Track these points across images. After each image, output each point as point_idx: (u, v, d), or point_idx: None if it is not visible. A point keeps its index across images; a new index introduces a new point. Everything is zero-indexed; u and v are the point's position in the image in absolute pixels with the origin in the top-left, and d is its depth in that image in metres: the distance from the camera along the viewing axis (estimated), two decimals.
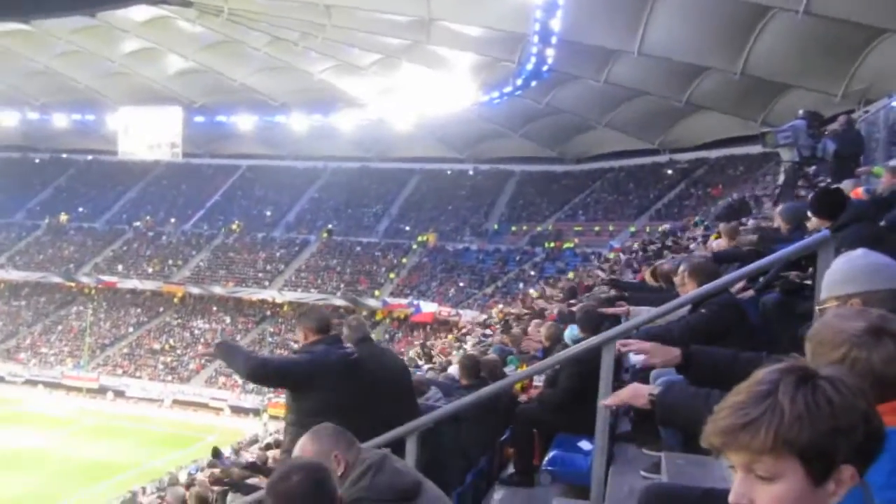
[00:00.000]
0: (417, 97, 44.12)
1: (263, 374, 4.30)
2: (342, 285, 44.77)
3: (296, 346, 4.49)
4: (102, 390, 40.12)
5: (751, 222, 10.53)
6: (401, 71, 42.87)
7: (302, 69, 45.45)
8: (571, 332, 5.92)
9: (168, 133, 51.94)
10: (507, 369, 7.37)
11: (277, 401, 31.78)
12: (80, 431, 33.09)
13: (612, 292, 7.60)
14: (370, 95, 46.64)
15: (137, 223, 53.15)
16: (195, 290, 46.96)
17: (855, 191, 6.50)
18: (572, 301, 10.95)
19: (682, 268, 4.71)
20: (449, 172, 51.80)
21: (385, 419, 4.32)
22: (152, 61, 47.70)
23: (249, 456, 12.60)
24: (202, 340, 43.55)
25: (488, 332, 18.50)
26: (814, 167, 10.98)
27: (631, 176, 45.00)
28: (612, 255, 27.06)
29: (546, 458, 4.78)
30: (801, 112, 11.00)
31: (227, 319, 45.31)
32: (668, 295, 5.38)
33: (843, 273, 2.11)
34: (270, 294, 45.31)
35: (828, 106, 24.01)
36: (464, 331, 26.30)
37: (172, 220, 53.09)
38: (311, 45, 41.56)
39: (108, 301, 48.08)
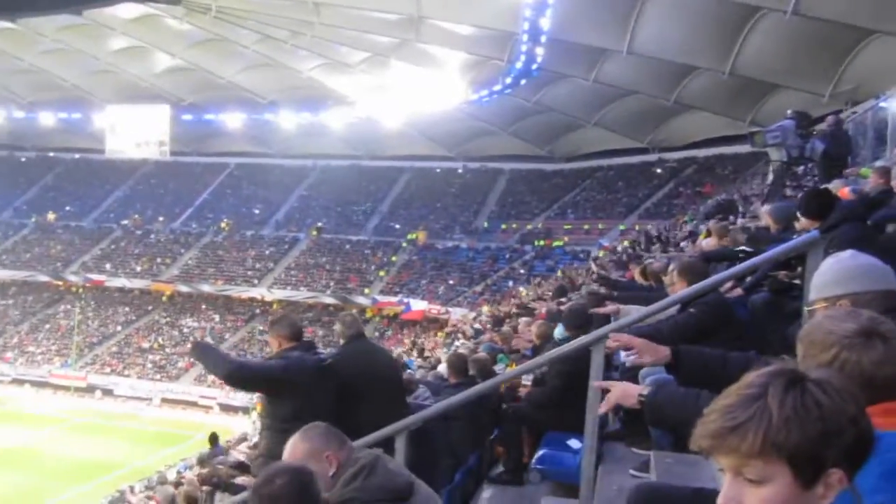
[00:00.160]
0: (407, 95, 44.06)
1: (241, 377, 4.30)
2: (332, 283, 44.68)
3: (269, 353, 4.52)
4: (90, 389, 39.86)
5: (739, 221, 10.58)
6: (390, 69, 42.80)
7: (291, 67, 45.31)
8: (560, 330, 5.93)
9: (156, 131, 51.66)
10: (497, 367, 7.38)
11: None
12: (68, 430, 32.90)
13: (602, 290, 7.63)
14: (360, 93, 46.54)
15: (125, 221, 52.85)
16: (184, 289, 46.74)
17: (842, 190, 6.54)
18: (562, 300, 10.97)
19: (671, 267, 4.74)
20: (439, 170, 51.79)
21: (375, 417, 4.33)
22: (140, 59, 47.42)
23: (239, 455, 12.57)
24: (191, 339, 43.35)
25: (477, 326, 18.56)
26: (802, 167, 11.05)
27: (620, 175, 45.13)
28: (601, 253, 27.17)
29: (535, 457, 4.79)
30: (789, 112, 11.09)
31: (217, 318, 45.13)
32: (657, 294, 5.41)
33: (832, 274, 2.12)
34: (260, 292, 45.16)
35: (816, 106, 24.15)
36: (449, 329, 26.33)
37: (161, 218, 52.81)
38: (300, 42, 41.42)
39: (96, 299, 47.78)
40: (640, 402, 2.24)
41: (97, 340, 44.52)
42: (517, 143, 47.57)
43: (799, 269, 4.30)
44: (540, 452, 4.75)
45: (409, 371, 10.61)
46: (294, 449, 2.31)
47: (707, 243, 8.72)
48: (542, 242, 42.19)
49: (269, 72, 46.59)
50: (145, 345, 43.42)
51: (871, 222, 4.29)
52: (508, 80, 39.18)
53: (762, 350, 4.16)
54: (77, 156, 58.92)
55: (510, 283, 37.35)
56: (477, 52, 38.20)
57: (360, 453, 2.29)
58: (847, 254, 2.16)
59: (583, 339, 3.78)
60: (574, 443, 4.48)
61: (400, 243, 46.50)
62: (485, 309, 26.74)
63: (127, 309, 46.96)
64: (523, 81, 38.76)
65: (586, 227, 42.00)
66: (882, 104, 13.50)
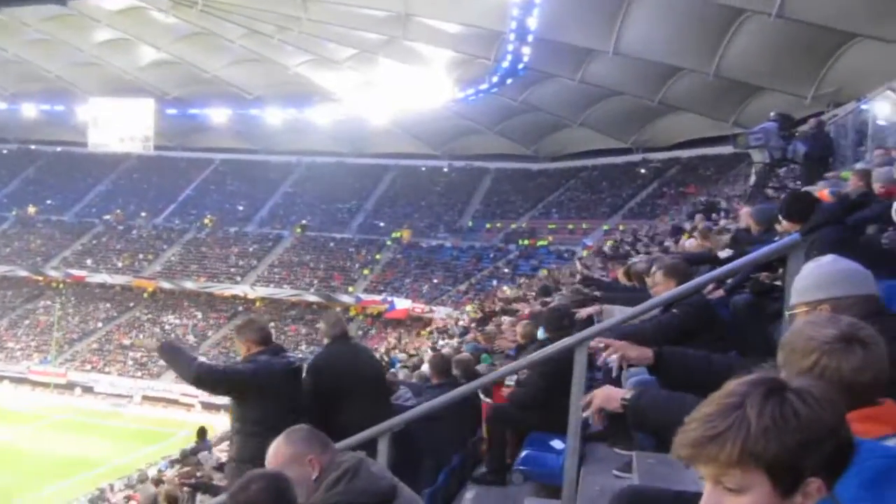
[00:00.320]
0: (394, 93, 43.98)
1: (210, 379, 4.30)
2: (316, 281, 44.53)
3: (237, 359, 4.52)
4: (70, 386, 39.50)
5: (722, 222, 10.66)
6: (377, 66, 42.71)
7: (277, 62, 45.10)
8: (543, 332, 5.95)
9: (140, 125, 51.20)
10: (480, 367, 7.39)
11: None
12: (48, 428, 32.57)
13: (587, 290, 7.64)
14: (346, 90, 46.40)
15: (107, 216, 52.32)
16: (166, 285, 46.40)
17: (821, 192, 6.60)
18: (546, 300, 11.00)
19: (654, 268, 4.75)
20: (424, 169, 51.73)
21: (359, 417, 4.33)
22: (124, 52, 47.00)
23: (221, 455, 12.50)
24: (173, 336, 43.06)
25: (462, 324, 18.60)
26: (784, 168, 11.15)
27: (604, 175, 45.29)
28: (585, 253, 27.28)
29: (518, 458, 4.79)
30: (772, 114, 11.18)
31: (199, 315, 44.84)
32: (641, 294, 5.43)
33: (813, 279, 2.14)
34: (243, 289, 44.94)
35: (798, 108, 24.41)
36: (438, 327, 26.33)
37: (143, 213, 52.36)
38: (287, 38, 41.23)
39: (76, 295, 47.31)
40: (623, 406, 2.25)
41: (77, 337, 44.11)
42: (503, 142, 47.63)
43: (780, 270, 4.34)
44: (523, 453, 4.76)
45: (391, 370, 10.61)
46: (277, 453, 2.30)
47: (690, 244, 8.78)
48: (526, 242, 42.28)
49: (256, 67, 46.34)
50: (126, 341, 43.04)
51: (849, 224, 4.34)
52: (495, 79, 39.23)
53: (744, 351, 4.21)
54: (59, 149, 58.19)
55: (494, 283, 37.39)
56: (464, 51, 38.20)
57: (344, 457, 2.28)
58: (828, 258, 2.18)
59: (566, 341, 3.79)
60: (557, 443, 4.49)
61: (384, 241, 46.41)
62: (469, 308, 26.78)
63: (108, 305, 46.54)
64: (510, 80, 38.82)
65: (570, 226, 42.12)
66: (863, 107, 13.64)
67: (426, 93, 42.70)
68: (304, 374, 4.63)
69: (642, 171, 43.83)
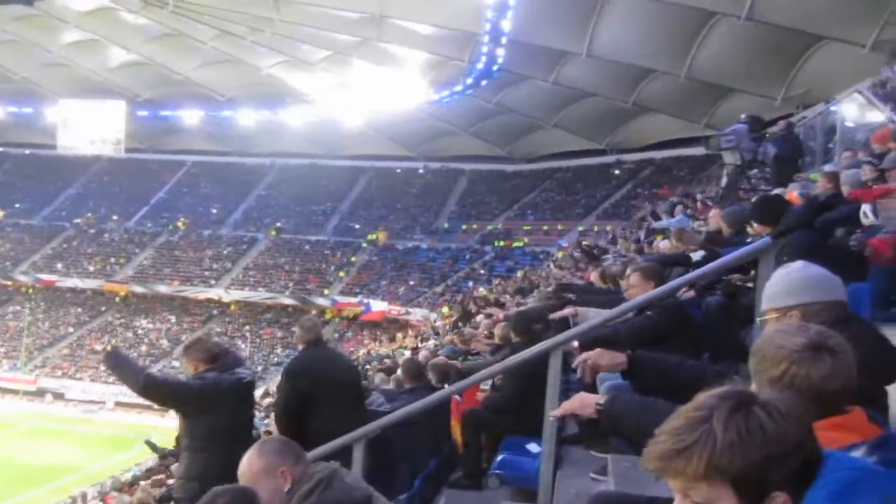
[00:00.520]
0: (368, 95, 43.85)
1: (157, 391, 4.31)
2: (291, 284, 44.27)
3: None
4: (41, 393, 38.85)
5: (696, 223, 10.76)
6: (351, 68, 42.55)
7: (250, 63, 44.75)
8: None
9: (110, 127, 50.45)
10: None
11: None
12: (18, 435, 31.98)
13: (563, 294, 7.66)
14: (320, 92, 46.18)
15: (78, 220, 51.54)
16: (139, 289, 45.83)
17: (790, 195, 6.70)
18: (524, 301, 11.04)
19: (629, 270, 4.78)
20: (399, 171, 51.65)
21: (334, 422, 4.32)
22: (94, 53, 46.34)
23: None
24: (146, 341, 42.57)
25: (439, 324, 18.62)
26: (755, 170, 11.29)
27: (579, 176, 45.57)
28: (560, 254, 27.40)
29: (494, 462, 4.79)
30: (743, 116, 11.33)
31: (172, 319, 44.35)
32: (616, 297, 5.46)
33: (783, 285, 2.17)
34: (217, 293, 44.53)
35: (768, 109, 24.74)
36: (423, 331, 26.27)
37: (115, 216, 51.66)
38: (260, 39, 40.94)
39: (46, 300, 46.55)
40: (597, 411, 2.26)
41: (48, 342, 43.41)
42: (478, 143, 47.72)
43: (752, 272, 4.39)
44: (499, 457, 4.76)
45: (368, 368, 10.58)
46: (249, 465, 2.27)
47: (665, 245, 8.85)
48: (502, 243, 42.41)
49: (228, 68, 45.94)
50: (98, 347, 42.40)
51: (817, 226, 4.40)
52: (469, 81, 39.31)
53: (716, 352, 4.26)
54: (28, 151, 57.13)
55: (470, 284, 37.42)
56: (438, 53, 38.22)
57: (317, 467, 2.26)
58: (797, 265, 2.21)
59: (541, 346, 3.80)
60: (533, 447, 4.49)
61: (360, 243, 46.27)
62: (444, 309, 26.80)
63: (79, 310, 45.87)
64: (484, 82, 38.92)
65: (546, 227, 42.31)
66: (832, 108, 13.87)
67: (401, 94, 42.63)
68: (280, 379, 4.63)
69: (616, 172, 44.16)
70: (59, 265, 48.13)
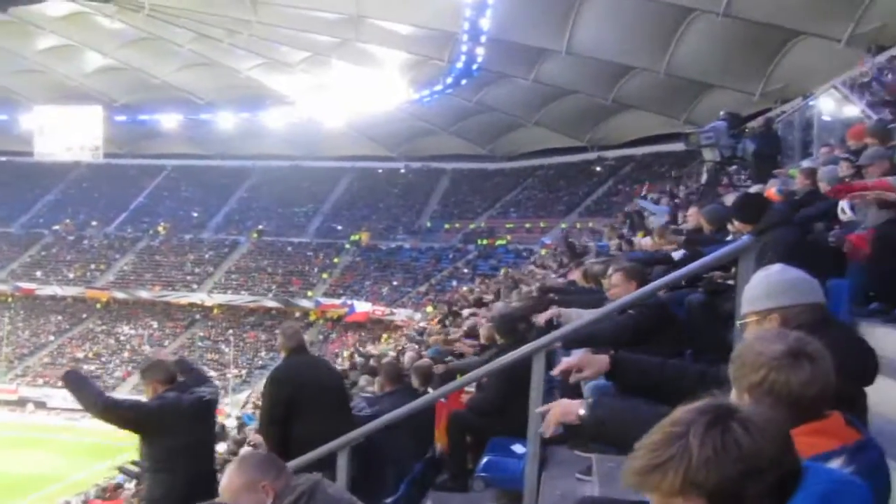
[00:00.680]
0: (348, 95, 43.73)
1: (115, 412, 4.29)
2: (274, 286, 44.06)
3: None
4: (22, 402, 38.34)
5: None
6: (330, 69, 42.40)
7: (228, 66, 44.46)
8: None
9: (88, 133, 49.90)
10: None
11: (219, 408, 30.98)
12: (0, 445, 31.57)
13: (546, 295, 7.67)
14: (300, 93, 45.99)
15: (57, 227, 50.94)
16: (120, 295, 45.39)
17: (769, 191, 6.75)
18: (508, 300, 11.04)
19: (612, 270, 4.78)
20: (381, 171, 51.55)
21: (319, 428, 4.30)
22: (70, 58, 45.82)
23: None
24: (128, 347, 42.18)
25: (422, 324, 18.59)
26: (734, 166, 11.36)
27: (561, 173, 45.70)
28: (543, 252, 27.47)
29: (480, 464, 4.79)
30: (722, 113, 11.39)
31: (155, 324, 43.98)
32: (599, 296, 5.48)
33: (763, 288, 2.18)
34: (200, 297, 44.21)
35: (747, 105, 24.99)
36: (411, 332, 26.20)
37: (94, 222, 51.12)
38: (238, 41, 40.67)
39: (26, 309, 45.98)
40: (580, 418, 2.25)
41: (28, 351, 42.90)
42: (459, 142, 47.74)
43: (733, 269, 4.41)
44: (484, 459, 4.76)
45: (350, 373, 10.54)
46: (230, 482, 2.25)
47: (645, 243, 8.90)
48: (485, 241, 42.46)
49: (206, 71, 45.62)
50: (80, 354, 42.00)
51: (796, 221, 4.44)
52: (449, 80, 39.31)
53: (699, 350, 4.27)
54: (4, 158, 56.32)
55: (454, 283, 37.44)
56: (417, 52, 38.18)
57: (299, 479, 2.24)
58: (776, 268, 2.22)
59: (525, 348, 3.80)
60: (519, 448, 4.49)
61: (343, 245, 46.14)
62: (429, 309, 26.77)
63: (60, 318, 45.35)
64: (464, 81, 38.94)
65: (528, 225, 42.39)
66: (810, 103, 14.02)
67: (381, 95, 42.56)
68: (264, 388, 4.62)
69: (598, 168, 44.35)
70: (39, 273, 47.56)
